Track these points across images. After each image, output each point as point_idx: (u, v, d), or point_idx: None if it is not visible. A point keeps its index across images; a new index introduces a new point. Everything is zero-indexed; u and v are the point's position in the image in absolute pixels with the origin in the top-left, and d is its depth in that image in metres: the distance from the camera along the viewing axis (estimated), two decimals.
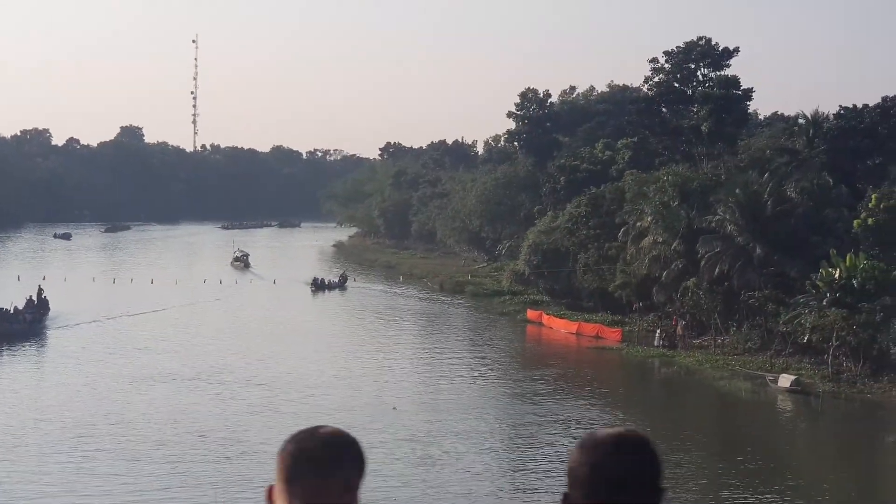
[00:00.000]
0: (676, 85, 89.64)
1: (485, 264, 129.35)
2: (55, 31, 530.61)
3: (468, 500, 39.66)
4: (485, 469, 44.43)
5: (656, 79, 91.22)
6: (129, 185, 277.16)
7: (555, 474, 43.87)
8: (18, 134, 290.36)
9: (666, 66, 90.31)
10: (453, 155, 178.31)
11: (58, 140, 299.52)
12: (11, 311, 78.55)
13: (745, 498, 41.60)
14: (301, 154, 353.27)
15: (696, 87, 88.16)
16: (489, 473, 43.88)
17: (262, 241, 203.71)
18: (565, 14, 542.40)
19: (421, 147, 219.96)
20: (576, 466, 3.44)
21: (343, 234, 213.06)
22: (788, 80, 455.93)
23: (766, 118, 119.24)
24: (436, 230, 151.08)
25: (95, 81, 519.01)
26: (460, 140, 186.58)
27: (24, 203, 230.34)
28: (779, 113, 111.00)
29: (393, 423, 51.87)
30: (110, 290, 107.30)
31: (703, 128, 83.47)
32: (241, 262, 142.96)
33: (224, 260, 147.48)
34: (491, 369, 69.51)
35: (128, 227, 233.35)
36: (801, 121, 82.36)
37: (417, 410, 55.44)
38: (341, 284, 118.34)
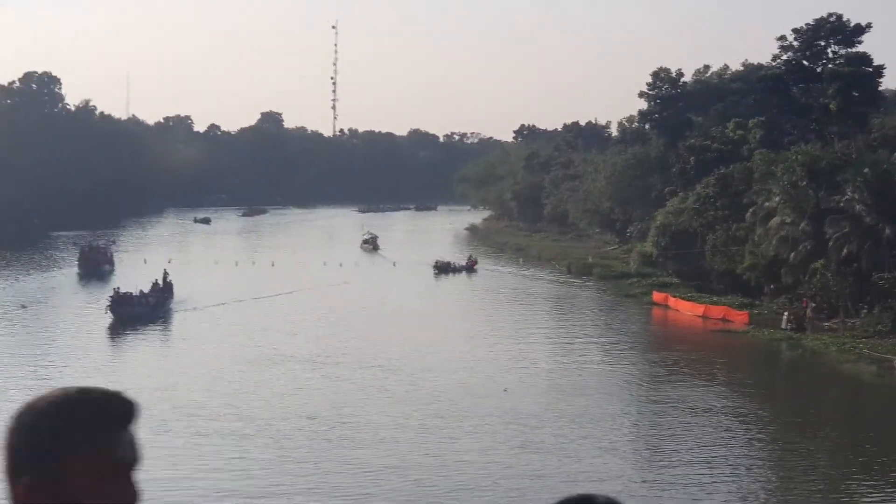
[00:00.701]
0: (805, 63, 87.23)
1: (615, 246, 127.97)
2: (199, 20, 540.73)
3: (567, 486, 38.92)
4: (589, 455, 43.61)
5: (785, 56, 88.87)
6: (268, 170, 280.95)
7: (666, 462, 43.03)
8: (161, 121, 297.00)
9: (795, 43, 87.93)
10: (586, 136, 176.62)
11: (199, 127, 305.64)
12: (137, 295, 79.94)
13: (860, 483, 40.35)
14: (438, 137, 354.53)
15: (826, 65, 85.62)
16: (593, 460, 43.05)
17: (397, 225, 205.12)
18: None
19: (556, 129, 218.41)
20: None
21: (477, 217, 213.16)
22: None
23: None
24: (567, 212, 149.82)
25: (238, 69, 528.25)
26: (594, 121, 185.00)
27: (166, 188, 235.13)
28: None
29: (502, 406, 51.35)
30: (239, 273, 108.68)
31: (831, 106, 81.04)
32: (371, 244, 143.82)
33: (355, 243, 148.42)
34: (611, 352, 68.43)
35: (265, 211, 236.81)
36: None
37: (529, 393, 54.84)
38: (469, 268, 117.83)
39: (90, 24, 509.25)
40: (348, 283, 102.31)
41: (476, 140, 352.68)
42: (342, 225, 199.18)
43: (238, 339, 70.35)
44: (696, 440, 46.13)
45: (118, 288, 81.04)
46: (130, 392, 2.74)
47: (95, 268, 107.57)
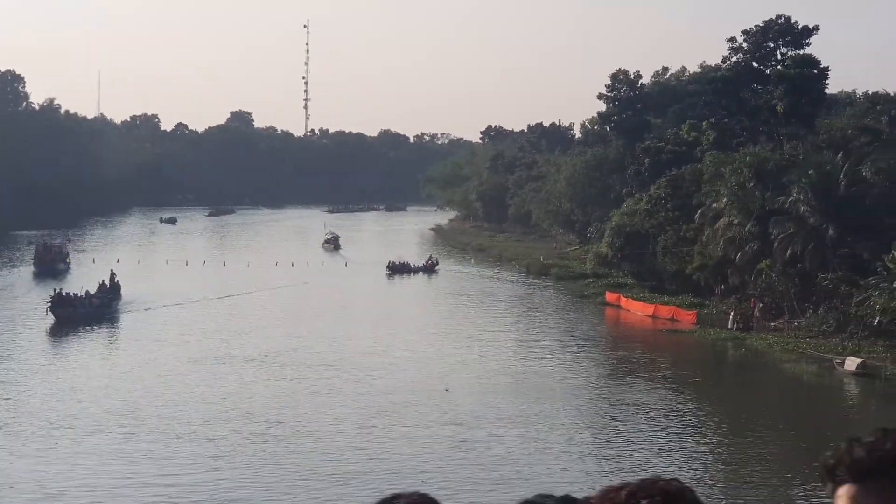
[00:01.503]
0: (755, 64, 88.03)
1: (576, 247, 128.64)
2: (170, 18, 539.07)
3: (497, 486, 39.38)
4: (523, 454, 44.05)
5: (734, 58, 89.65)
6: (236, 170, 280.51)
7: (605, 462, 43.51)
8: (129, 119, 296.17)
9: (744, 45, 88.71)
10: (550, 137, 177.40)
11: (167, 125, 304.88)
12: (82, 296, 79.70)
13: (797, 479, 41.08)
14: (408, 138, 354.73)
15: (775, 67, 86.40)
16: (527, 458, 43.51)
17: (365, 225, 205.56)
18: None
19: (522, 130, 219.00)
20: None
21: (444, 217, 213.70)
22: (876, 57, 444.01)
23: (861, 96, 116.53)
24: (531, 213, 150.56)
25: (207, 68, 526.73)
26: (557, 123, 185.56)
27: (132, 188, 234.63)
28: (868, 92, 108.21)
29: (441, 405, 51.79)
30: (198, 273, 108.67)
31: (778, 108, 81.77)
32: (332, 244, 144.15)
33: (319, 243, 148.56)
34: (560, 352, 68.94)
35: (232, 211, 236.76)
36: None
37: (472, 393, 55.25)
38: (429, 268, 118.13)
39: (60, 20, 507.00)
40: (307, 283, 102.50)
41: (446, 141, 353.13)
42: (309, 225, 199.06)
43: (188, 339, 70.54)
44: (637, 440, 46.64)
45: (59, 288, 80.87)
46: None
47: (50, 266, 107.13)
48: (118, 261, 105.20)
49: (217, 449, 43.32)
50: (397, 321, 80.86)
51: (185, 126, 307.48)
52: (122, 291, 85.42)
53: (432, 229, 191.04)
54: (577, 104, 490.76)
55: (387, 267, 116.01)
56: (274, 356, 64.11)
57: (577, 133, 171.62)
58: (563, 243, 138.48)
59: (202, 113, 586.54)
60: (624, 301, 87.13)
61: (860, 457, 2.90)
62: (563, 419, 50.25)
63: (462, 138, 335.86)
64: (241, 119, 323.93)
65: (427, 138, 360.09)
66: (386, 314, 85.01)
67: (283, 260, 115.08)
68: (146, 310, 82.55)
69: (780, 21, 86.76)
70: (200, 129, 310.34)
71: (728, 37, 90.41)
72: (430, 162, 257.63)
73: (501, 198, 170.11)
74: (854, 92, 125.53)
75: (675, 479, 2.92)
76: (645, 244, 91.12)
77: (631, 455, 44.05)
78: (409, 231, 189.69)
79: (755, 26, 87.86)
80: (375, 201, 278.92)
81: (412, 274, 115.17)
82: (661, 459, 43.49)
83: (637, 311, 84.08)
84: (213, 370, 59.75)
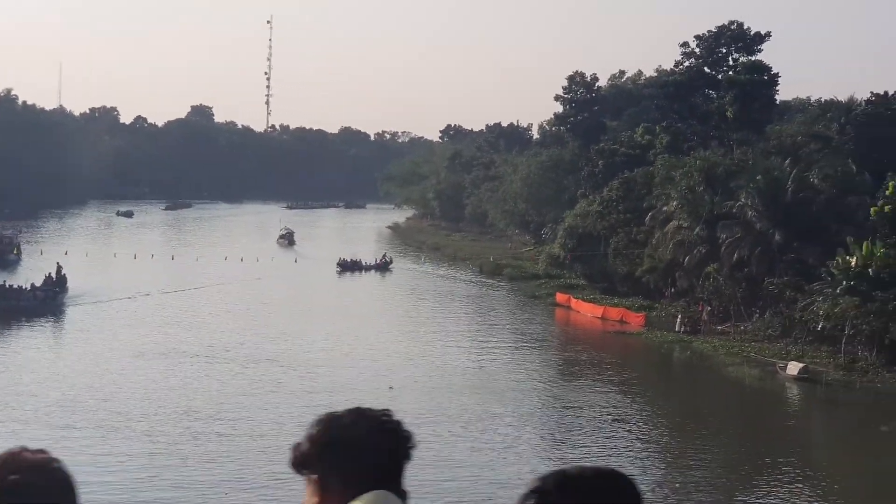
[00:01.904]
0: (707, 70, 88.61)
1: (531, 248, 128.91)
2: (132, 10, 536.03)
3: (434, 484, 39.43)
4: (460, 454, 44.11)
5: (687, 63, 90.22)
6: (195, 164, 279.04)
7: (542, 457, 43.62)
8: (87, 112, 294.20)
9: (697, 50, 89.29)
10: (508, 137, 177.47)
11: (126, 118, 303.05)
12: (27, 288, 79.03)
13: (735, 482, 41.45)
14: (369, 136, 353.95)
15: (727, 72, 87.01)
16: (462, 458, 43.56)
17: (323, 222, 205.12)
18: None
19: (481, 130, 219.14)
20: None
21: (402, 215, 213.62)
22: (828, 64, 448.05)
23: (815, 103, 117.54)
24: (487, 213, 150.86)
25: (169, 62, 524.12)
26: (516, 123, 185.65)
27: (89, 180, 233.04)
28: (821, 99, 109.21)
29: (385, 403, 51.47)
30: (151, 267, 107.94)
31: (728, 113, 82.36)
32: (287, 239, 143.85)
33: (274, 238, 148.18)
34: (508, 352, 69.13)
35: (189, 205, 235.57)
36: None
37: (416, 391, 55.30)
38: (383, 266, 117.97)
39: (19, 11, 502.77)
40: (260, 279, 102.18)
41: (407, 139, 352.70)
42: (267, 221, 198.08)
43: (134, 333, 70.06)
44: (580, 440, 46.91)
45: (3, 281, 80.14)
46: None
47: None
48: (66, 253, 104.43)
49: (153, 445, 43.10)
50: (346, 319, 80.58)
51: (145, 119, 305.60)
52: (71, 284, 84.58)
53: (389, 227, 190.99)
54: (537, 105, 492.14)
55: (337, 264, 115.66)
56: (219, 351, 63.97)
57: (535, 134, 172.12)
58: (519, 243, 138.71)
59: (162, 106, 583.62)
60: (574, 302, 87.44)
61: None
62: (506, 419, 50.39)
63: (423, 137, 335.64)
64: (201, 113, 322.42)
65: (388, 136, 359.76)
66: (334, 312, 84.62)
67: (233, 255, 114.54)
68: (95, 303, 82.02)
69: (732, 27, 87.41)
70: (160, 122, 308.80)
71: (681, 41, 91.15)
72: (390, 160, 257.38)
73: (458, 197, 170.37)
74: (809, 99, 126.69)
75: (42, 450, 2.96)
76: (597, 246, 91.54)
77: (573, 455, 44.19)
78: (366, 228, 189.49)
79: (708, 31, 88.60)
80: (335, 198, 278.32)
81: (363, 272, 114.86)
82: (603, 460, 43.63)
83: (587, 312, 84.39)
84: (157, 364, 59.46)
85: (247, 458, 41.70)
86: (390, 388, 55.17)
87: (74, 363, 59.47)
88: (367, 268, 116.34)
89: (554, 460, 43.45)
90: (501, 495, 38.76)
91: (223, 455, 42.13)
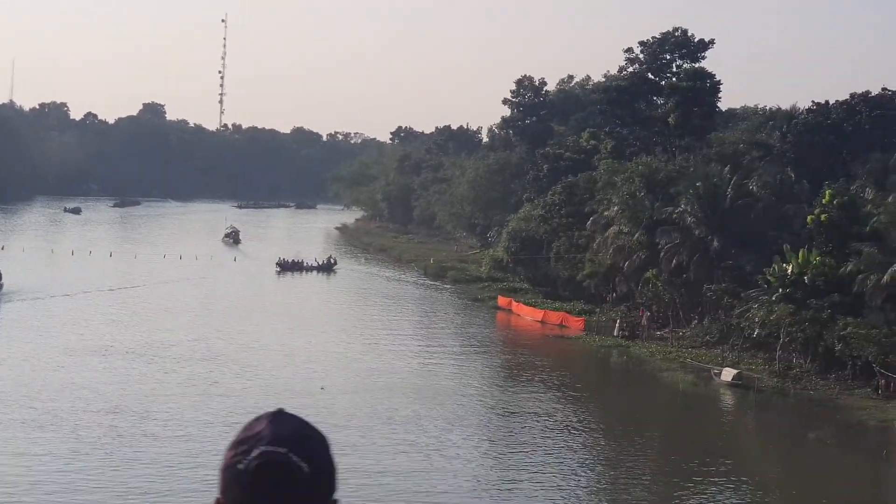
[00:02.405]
0: (650, 76, 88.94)
1: (477, 251, 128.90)
2: (84, 5, 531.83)
3: (357, 481, 39.22)
4: (387, 455, 43.95)
5: (631, 69, 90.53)
6: (146, 162, 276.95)
7: (468, 459, 43.52)
8: (37, 107, 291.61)
9: (641, 56, 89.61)
10: (457, 140, 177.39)
11: (76, 114, 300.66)
12: None
13: (667, 485, 41.57)
14: (321, 136, 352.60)
15: (670, 79, 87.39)
16: (389, 461, 43.39)
17: (273, 221, 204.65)
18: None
19: (432, 132, 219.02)
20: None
21: (351, 217, 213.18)
22: (772, 72, 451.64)
23: (760, 111, 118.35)
24: (436, 215, 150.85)
25: (122, 58, 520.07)
26: (465, 126, 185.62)
27: (37, 176, 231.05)
28: (767, 107, 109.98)
29: (314, 403, 51.43)
30: (92, 264, 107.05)
31: (670, 119, 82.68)
32: (232, 237, 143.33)
33: (220, 237, 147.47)
34: (446, 354, 69.00)
35: (138, 203, 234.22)
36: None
37: (348, 392, 55.06)
38: (327, 267, 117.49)
39: None
40: (204, 277, 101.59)
41: (359, 140, 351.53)
42: (215, 220, 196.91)
43: (69, 330, 69.49)
44: (511, 443, 46.84)
45: None
46: None
47: None
48: (1, 248, 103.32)
49: (77, 442, 42.67)
50: (286, 319, 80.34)
51: (95, 115, 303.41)
52: (6, 281, 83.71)
53: (338, 228, 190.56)
54: (487, 108, 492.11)
55: (277, 264, 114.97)
56: (155, 349, 63.45)
57: (485, 137, 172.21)
58: (465, 246, 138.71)
59: (114, 103, 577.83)
60: (515, 306, 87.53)
61: None
62: (436, 421, 50.24)
63: (375, 138, 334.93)
64: (153, 111, 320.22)
65: (340, 137, 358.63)
66: (274, 313, 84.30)
67: (173, 253, 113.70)
68: (32, 300, 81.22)
69: (676, 34, 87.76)
70: (111, 119, 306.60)
71: (626, 47, 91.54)
72: (342, 160, 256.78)
73: (407, 199, 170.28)
74: (756, 107, 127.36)
75: None
76: (540, 250, 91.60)
77: (506, 459, 44.21)
78: (315, 229, 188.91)
79: (652, 37, 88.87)
80: (286, 198, 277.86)
81: (304, 272, 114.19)
82: (532, 463, 43.73)
83: (527, 315, 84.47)
84: (89, 361, 59.00)
85: (172, 460, 41.28)
86: (322, 388, 54.95)
87: (4, 359, 58.76)
88: (309, 268, 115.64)
89: (482, 465, 43.41)
90: (424, 497, 38.68)
91: (150, 455, 41.71)
